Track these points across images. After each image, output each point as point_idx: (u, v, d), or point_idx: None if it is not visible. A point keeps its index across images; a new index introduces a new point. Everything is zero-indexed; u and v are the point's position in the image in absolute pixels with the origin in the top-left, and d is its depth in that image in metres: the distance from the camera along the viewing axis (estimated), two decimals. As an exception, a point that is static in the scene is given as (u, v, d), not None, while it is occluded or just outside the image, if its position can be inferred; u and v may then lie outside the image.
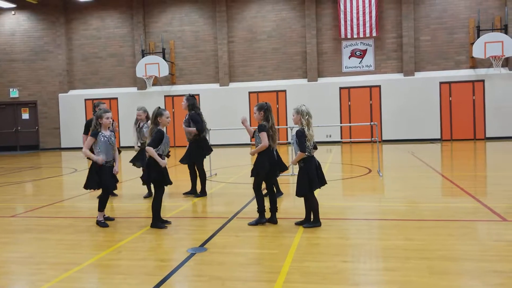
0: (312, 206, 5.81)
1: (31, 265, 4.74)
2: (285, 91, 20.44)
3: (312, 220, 5.81)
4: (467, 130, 19.25)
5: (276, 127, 6.20)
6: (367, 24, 19.62)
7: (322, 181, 5.80)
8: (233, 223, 6.14)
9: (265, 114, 6.01)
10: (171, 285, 4.04)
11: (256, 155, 6.03)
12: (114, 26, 22.03)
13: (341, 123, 19.79)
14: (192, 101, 8.16)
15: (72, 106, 22.05)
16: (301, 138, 5.61)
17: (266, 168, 5.92)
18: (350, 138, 19.84)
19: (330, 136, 19.59)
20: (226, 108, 20.37)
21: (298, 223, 5.86)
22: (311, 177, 5.66)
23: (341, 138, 19.89)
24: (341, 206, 7.30)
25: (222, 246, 5.11)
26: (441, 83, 19.29)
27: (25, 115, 22.96)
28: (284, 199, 7.75)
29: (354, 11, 19.67)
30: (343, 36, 19.86)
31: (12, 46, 22.70)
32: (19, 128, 22.94)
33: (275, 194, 6.17)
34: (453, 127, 19.32)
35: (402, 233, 5.37)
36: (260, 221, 5.95)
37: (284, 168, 6.14)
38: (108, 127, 6.22)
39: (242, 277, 4.18)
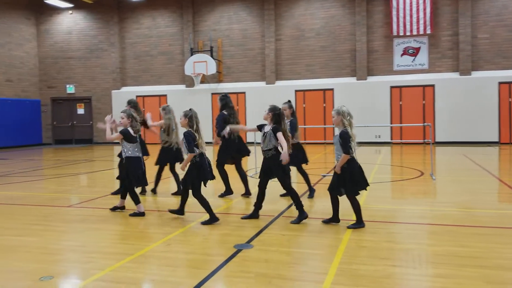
0: (354, 207, 5.73)
1: (85, 253, 4.93)
2: (332, 89, 20.17)
3: (356, 221, 5.74)
4: (527, 133, 18.27)
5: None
6: (421, 21, 19.01)
7: (366, 183, 5.72)
8: (279, 221, 6.12)
9: (274, 117, 6.05)
10: (218, 280, 4.08)
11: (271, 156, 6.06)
12: (165, 25, 22.53)
13: (391, 123, 19.30)
14: (224, 101, 7.97)
15: (124, 102, 22.40)
16: (346, 139, 5.51)
17: (286, 166, 6.03)
18: (401, 139, 19.30)
19: (379, 137, 19.14)
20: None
21: (326, 221, 5.92)
22: (355, 178, 5.59)
23: (391, 139, 19.39)
24: (391, 209, 7.11)
25: (268, 244, 5.10)
26: (500, 83, 18.39)
27: (81, 110, 23.94)
28: (321, 200, 7.62)
29: (408, 7, 19.11)
30: (395, 33, 19.34)
31: (69, 44, 23.70)
32: (74, 122, 23.95)
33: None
34: None
35: (456, 239, 5.15)
36: (301, 218, 5.96)
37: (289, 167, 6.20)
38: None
39: (288, 276, 4.15)
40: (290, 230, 5.69)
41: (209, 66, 20.61)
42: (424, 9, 18.94)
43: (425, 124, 10.55)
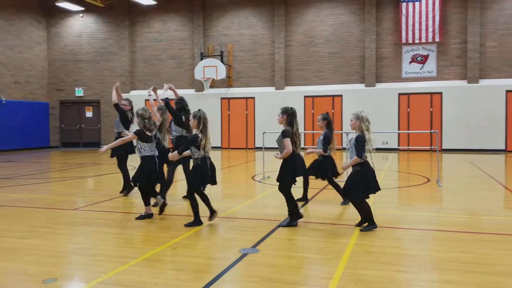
0: (364, 210, 5.81)
1: (90, 256, 4.96)
2: (341, 95, 20.17)
3: (367, 223, 5.81)
4: (536, 141, 18.13)
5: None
6: (430, 29, 18.97)
7: (377, 187, 5.77)
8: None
9: (288, 118, 5.96)
10: (223, 284, 4.08)
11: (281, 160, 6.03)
12: (175, 29, 22.68)
13: (399, 130, 19.25)
14: (180, 104, 7.96)
15: (133, 106, 22.82)
16: (361, 143, 5.64)
17: (291, 174, 5.96)
18: (408, 146, 19.23)
19: (386, 143, 19.09)
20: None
21: (358, 225, 5.95)
22: (368, 181, 5.67)
23: (398, 146, 19.33)
24: (397, 214, 7.08)
25: (274, 248, 5.11)
26: (507, 91, 18.29)
27: (89, 113, 24.10)
28: (338, 204, 7.62)
29: (417, 15, 19.09)
30: (404, 41, 19.32)
31: (79, 47, 23.92)
32: (82, 125, 24.12)
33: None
34: (519, 138, 18.25)
35: (461, 246, 5.13)
36: (291, 223, 6.00)
37: (306, 173, 6.13)
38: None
39: (293, 280, 4.15)
40: (296, 234, 5.69)
41: (219, 71, 20.69)
42: (433, 17, 18.91)
43: (432, 131, 10.52)
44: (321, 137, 7.42)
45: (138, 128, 6.49)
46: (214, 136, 21.27)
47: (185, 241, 5.48)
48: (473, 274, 4.22)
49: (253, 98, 21.32)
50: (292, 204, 6.05)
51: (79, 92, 23.93)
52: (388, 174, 11.98)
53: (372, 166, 5.83)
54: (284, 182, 6.05)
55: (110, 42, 23.54)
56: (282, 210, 6.97)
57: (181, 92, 22.60)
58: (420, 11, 19.06)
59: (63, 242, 5.53)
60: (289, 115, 5.95)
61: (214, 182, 6.17)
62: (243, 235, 5.72)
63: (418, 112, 19.26)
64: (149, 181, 6.57)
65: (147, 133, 6.50)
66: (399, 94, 19.51)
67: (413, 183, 10.21)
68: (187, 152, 6.12)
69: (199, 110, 6.09)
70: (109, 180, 11.32)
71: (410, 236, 5.72)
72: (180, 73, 22.60)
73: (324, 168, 7.38)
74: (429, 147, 17.98)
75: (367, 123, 5.71)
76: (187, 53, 22.48)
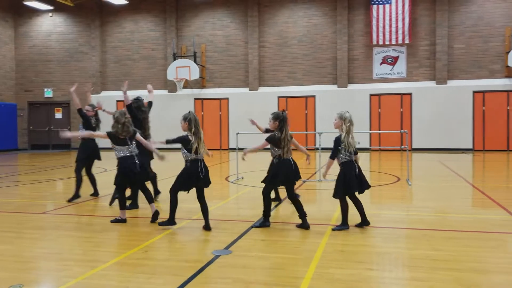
0: (342, 208, 5.90)
1: (59, 261, 4.85)
2: (314, 96, 20.34)
3: (341, 223, 5.90)
4: (501, 140, 18.71)
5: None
6: (400, 31, 19.35)
7: (362, 186, 5.88)
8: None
9: (280, 124, 5.97)
10: (195, 287, 4.05)
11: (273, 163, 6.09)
12: (147, 29, 22.43)
13: (370, 130, 19.54)
14: (137, 104, 7.89)
15: (97, 112, 22.46)
16: (336, 144, 5.77)
17: (280, 177, 5.99)
18: (379, 146, 19.56)
19: (358, 143, 19.16)
20: (255, 112, 20.37)
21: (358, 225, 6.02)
22: (347, 181, 5.75)
23: (370, 146, 19.63)
24: (368, 214, 7.14)
25: (247, 250, 5.10)
26: (474, 92, 18.82)
27: (58, 115, 23.59)
28: (312, 204, 7.68)
29: (387, 17, 19.44)
30: (374, 42, 19.64)
31: (48, 47, 23.39)
32: (52, 127, 23.57)
33: (298, 201, 6.13)
34: (486, 137, 18.81)
35: (430, 243, 5.24)
36: (264, 224, 6.03)
37: (298, 177, 6.13)
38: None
39: (265, 281, 4.16)
40: (269, 235, 5.70)
41: (192, 71, 20.57)
42: (403, 19, 19.29)
43: (402, 131, 10.72)
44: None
45: (111, 130, 6.34)
46: (188, 137, 21.14)
47: (157, 244, 5.42)
48: (442, 271, 4.31)
49: (227, 98, 21.29)
50: (268, 207, 6.07)
51: (48, 93, 23.39)
52: (360, 174, 12.13)
53: (357, 165, 5.90)
54: (269, 184, 6.09)
55: (80, 42, 23.10)
56: (255, 211, 6.99)
57: (154, 92, 22.39)
58: (390, 13, 19.41)
59: (31, 247, 5.39)
60: (280, 121, 5.96)
61: (206, 184, 6.02)
62: (216, 236, 5.70)
63: (389, 112, 19.61)
64: (126, 181, 6.42)
65: (120, 136, 6.34)
66: (370, 95, 19.81)
67: (384, 182, 10.38)
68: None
69: (189, 112, 5.96)
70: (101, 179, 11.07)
71: (381, 235, 5.81)
72: (152, 73, 22.36)
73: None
74: (400, 147, 18.32)
75: (348, 124, 5.79)
76: (160, 54, 22.26)
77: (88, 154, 8.43)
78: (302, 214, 5.97)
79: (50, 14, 23.19)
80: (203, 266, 4.52)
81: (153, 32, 22.37)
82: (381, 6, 19.50)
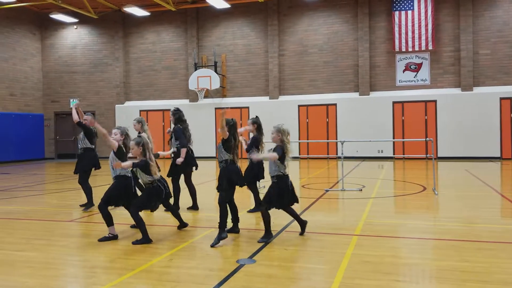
0: (264, 219, 5.85)
1: (87, 268, 4.92)
2: (335, 104, 20.24)
3: (263, 235, 5.84)
4: (530, 148, 18.24)
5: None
6: (423, 37, 19.14)
7: (293, 200, 5.97)
8: (282, 236, 6.10)
9: (231, 130, 6.06)
10: (220, 296, 4.05)
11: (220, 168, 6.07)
12: (169, 40, 22.74)
13: (393, 138, 19.31)
14: (177, 115, 8.04)
15: (127, 117, 22.83)
16: (280, 152, 5.79)
17: (237, 181, 6.00)
18: (403, 154, 19.30)
19: (381, 152, 19.14)
20: (275, 121, 20.35)
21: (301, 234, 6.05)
22: (282, 194, 5.83)
23: (394, 154, 19.38)
24: (393, 223, 7.08)
25: (271, 259, 5.08)
26: (501, 98, 18.44)
27: (84, 125, 23.96)
28: (335, 213, 7.61)
29: (410, 24, 19.27)
30: (397, 49, 19.47)
31: (73, 58, 23.92)
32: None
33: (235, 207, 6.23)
34: (514, 145, 18.36)
35: (459, 254, 5.12)
36: (220, 237, 5.69)
37: (243, 183, 6.22)
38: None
39: (291, 291, 4.13)
40: (293, 245, 5.67)
41: (213, 81, 20.73)
42: (426, 25, 19.08)
43: (427, 139, 10.56)
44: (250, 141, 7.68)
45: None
46: (209, 146, 21.27)
47: (182, 252, 5.45)
48: (471, 283, 4.21)
49: (247, 107, 21.36)
50: (224, 217, 5.80)
51: (74, 103, 23.82)
52: (383, 183, 11.99)
53: (289, 178, 5.93)
54: (223, 192, 5.93)
55: (104, 53, 23.56)
56: (278, 220, 6.95)
57: (176, 102, 22.74)
58: (413, 19, 19.23)
59: (60, 254, 5.48)
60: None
61: (154, 208, 6.06)
62: (240, 245, 5.69)
63: (413, 120, 19.35)
64: (121, 199, 6.24)
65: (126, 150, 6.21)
66: (393, 103, 19.60)
67: (409, 192, 10.22)
68: (127, 164, 5.70)
69: (139, 136, 6.04)
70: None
71: (407, 245, 5.71)
72: (174, 83, 22.63)
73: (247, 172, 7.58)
74: (425, 155, 18.05)
75: (288, 136, 5.86)
76: (181, 64, 22.52)
77: (93, 164, 8.59)
78: (223, 223, 5.74)
79: (75, 26, 23.74)
80: (227, 275, 4.52)
81: (175, 43, 22.66)
82: (403, 13, 19.34)
